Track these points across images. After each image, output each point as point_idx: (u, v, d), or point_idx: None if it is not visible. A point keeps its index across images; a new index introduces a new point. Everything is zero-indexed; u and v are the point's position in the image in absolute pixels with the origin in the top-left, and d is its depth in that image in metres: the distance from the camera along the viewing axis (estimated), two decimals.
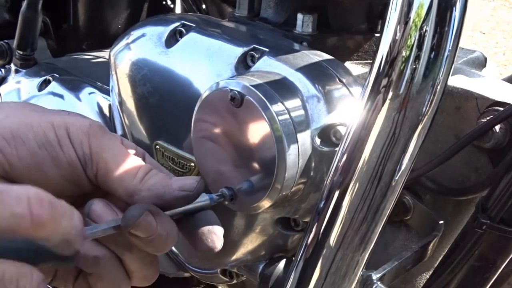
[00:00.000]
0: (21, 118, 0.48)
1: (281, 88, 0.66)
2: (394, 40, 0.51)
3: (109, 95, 0.93)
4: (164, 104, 0.79)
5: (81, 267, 0.48)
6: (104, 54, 1.21)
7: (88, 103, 1.03)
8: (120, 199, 0.49)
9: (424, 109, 0.52)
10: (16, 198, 0.39)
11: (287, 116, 0.64)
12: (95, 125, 0.50)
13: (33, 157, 0.47)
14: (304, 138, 0.65)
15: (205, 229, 0.50)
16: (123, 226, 0.46)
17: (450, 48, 0.50)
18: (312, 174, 0.67)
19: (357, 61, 0.82)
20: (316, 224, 0.59)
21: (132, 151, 0.52)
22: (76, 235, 0.42)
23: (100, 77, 1.06)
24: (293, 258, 0.63)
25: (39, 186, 0.48)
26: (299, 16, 0.78)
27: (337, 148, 0.57)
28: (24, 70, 1.20)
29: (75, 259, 0.44)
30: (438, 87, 0.51)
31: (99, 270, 0.48)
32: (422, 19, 0.50)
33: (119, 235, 0.47)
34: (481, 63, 0.92)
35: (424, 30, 0.50)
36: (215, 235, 0.50)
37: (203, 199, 0.53)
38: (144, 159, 0.53)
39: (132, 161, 0.50)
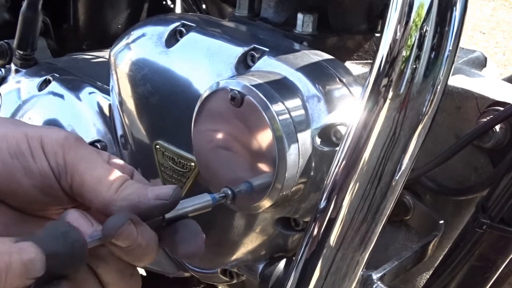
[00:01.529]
0: None
1: (281, 88, 0.66)
2: (394, 40, 0.51)
3: (109, 95, 0.93)
4: (164, 104, 0.79)
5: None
6: (104, 54, 1.21)
7: (88, 103, 1.03)
8: (96, 210, 0.49)
9: (424, 109, 0.52)
10: None
11: (287, 115, 0.64)
12: (71, 137, 0.50)
13: (5, 167, 0.47)
14: (305, 137, 0.65)
15: (185, 235, 0.50)
16: (104, 236, 0.45)
17: (451, 48, 0.50)
18: (312, 174, 0.67)
19: (357, 61, 0.82)
20: (316, 224, 0.59)
21: (120, 168, 0.51)
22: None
23: (100, 77, 1.06)
24: (293, 258, 0.63)
25: (12, 196, 0.48)
26: (299, 16, 0.78)
27: (337, 148, 0.57)
28: (24, 70, 1.20)
29: None
30: (439, 87, 0.51)
31: (70, 281, 0.46)
32: (422, 19, 0.50)
33: (99, 248, 0.46)
34: (481, 63, 0.92)
35: (424, 30, 0.50)
36: (195, 241, 0.50)
37: (205, 199, 0.53)
38: (132, 176, 0.52)
39: (108, 172, 0.49)
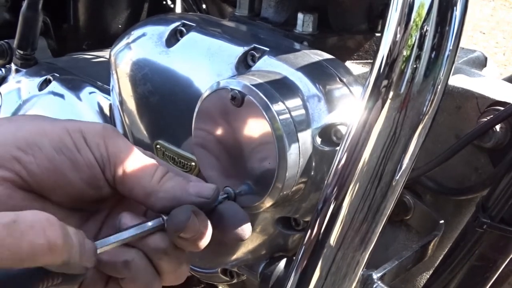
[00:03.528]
0: (33, 127, 0.49)
1: (281, 88, 0.66)
2: (394, 40, 0.51)
3: (109, 94, 0.93)
4: (164, 104, 0.79)
5: (111, 274, 0.48)
6: (105, 53, 1.21)
7: (88, 103, 1.03)
8: (136, 200, 0.50)
9: (424, 109, 0.52)
10: (30, 226, 0.39)
11: (287, 115, 0.64)
12: (109, 128, 0.51)
13: (52, 162, 0.48)
14: (305, 137, 0.65)
15: (232, 219, 0.51)
16: (173, 231, 0.47)
17: (451, 47, 0.50)
18: (312, 173, 0.67)
19: (358, 61, 0.82)
20: (316, 224, 0.59)
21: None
22: (87, 256, 0.43)
23: (100, 77, 1.06)
24: (294, 258, 0.63)
25: (58, 191, 0.49)
26: (300, 15, 0.78)
27: (337, 148, 0.57)
28: (24, 70, 1.20)
29: (83, 275, 0.44)
30: (439, 87, 0.51)
31: (131, 273, 0.48)
32: (422, 19, 0.50)
33: (160, 241, 0.48)
34: (481, 62, 0.92)
35: (424, 30, 0.50)
36: (243, 223, 0.51)
37: None
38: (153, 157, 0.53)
39: (149, 162, 0.50)
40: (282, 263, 0.79)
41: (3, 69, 1.24)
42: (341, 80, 0.69)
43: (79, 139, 0.49)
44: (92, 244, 0.44)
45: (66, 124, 0.50)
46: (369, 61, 0.83)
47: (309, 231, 0.60)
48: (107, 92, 1.00)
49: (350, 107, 0.68)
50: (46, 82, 1.10)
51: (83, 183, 0.49)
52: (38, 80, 1.11)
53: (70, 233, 0.42)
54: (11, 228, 0.38)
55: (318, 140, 0.67)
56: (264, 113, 0.63)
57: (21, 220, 0.39)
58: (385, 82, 0.52)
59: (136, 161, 0.50)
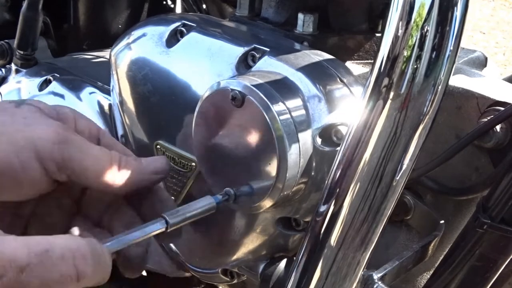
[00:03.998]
0: None
1: (282, 88, 0.66)
2: (395, 40, 0.51)
3: (109, 94, 0.93)
4: (164, 104, 0.79)
5: None
6: (105, 54, 1.21)
7: (88, 103, 1.03)
8: (100, 191, 0.52)
9: (425, 109, 0.52)
10: (61, 257, 0.41)
11: (288, 115, 0.64)
12: (61, 130, 0.51)
13: None
14: (305, 137, 0.65)
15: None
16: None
17: (452, 47, 0.50)
18: (313, 173, 0.67)
19: (358, 61, 0.82)
20: (317, 224, 0.59)
21: (86, 130, 0.55)
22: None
23: (100, 77, 1.06)
24: (294, 258, 0.63)
25: (4, 198, 0.49)
26: (300, 16, 0.78)
27: (338, 148, 0.57)
28: (24, 70, 1.20)
29: None
30: (440, 87, 0.51)
31: None
32: (423, 19, 0.50)
33: None
34: (481, 63, 0.92)
35: (425, 29, 0.50)
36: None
37: (208, 202, 0.53)
38: (99, 138, 0.56)
39: (103, 154, 0.52)
40: (283, 264, 0.79)
41: (3, 69, 1.24)
42: (341, 81, 0.69)
43: (28, 158, 0.49)
44: (109, 254, 0.45)
45: (20, 141, 0.49)
46: (370, 61, 0.83)
47: (310, 231, 0.60)
48: (107, 92, 1.00)
49: (350, 108, 0.68)
50: (46, 82, 1.10)
51: (27, 196, 0.50)
52: (38, 80, 1.11)
53: (102, 260, 0.43)
54: (43, 257, 0.40)
55: (319, 140, 0.67)
56: (265, 114, 0.63)
57: (53, 250, 0.40)
58: (385, 82, 0.52)
59: (91, 156, 0.51)
